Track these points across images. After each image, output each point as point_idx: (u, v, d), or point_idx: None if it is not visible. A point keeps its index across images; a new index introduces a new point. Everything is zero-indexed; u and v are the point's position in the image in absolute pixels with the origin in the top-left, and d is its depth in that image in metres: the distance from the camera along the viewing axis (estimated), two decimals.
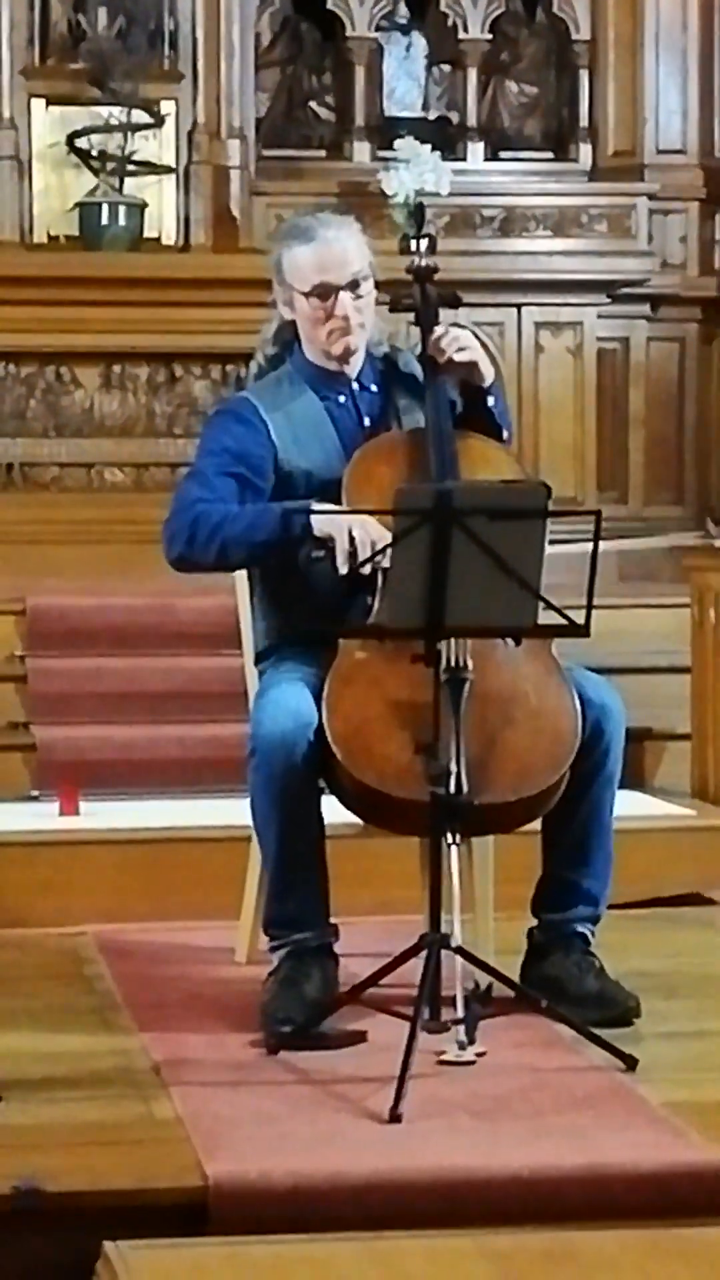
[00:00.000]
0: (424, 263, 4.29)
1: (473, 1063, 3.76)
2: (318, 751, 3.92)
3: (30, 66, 8.41)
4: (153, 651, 6.50)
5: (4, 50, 8.33)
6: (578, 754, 3.99)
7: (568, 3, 9.22)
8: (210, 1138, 3.35)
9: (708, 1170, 3.28)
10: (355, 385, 4.28)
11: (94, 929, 4.98)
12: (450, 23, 9.25)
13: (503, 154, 9.31)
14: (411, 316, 4.29)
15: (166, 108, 8.44)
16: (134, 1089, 3.69)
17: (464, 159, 9.14)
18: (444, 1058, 3.76)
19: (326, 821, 4.04)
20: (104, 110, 8.26)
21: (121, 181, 8.23)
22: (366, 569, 3.92)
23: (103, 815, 5.67)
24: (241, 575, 4.27)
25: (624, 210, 8.95)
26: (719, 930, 5.13)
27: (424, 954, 3.75)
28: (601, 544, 3.76)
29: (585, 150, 9.24)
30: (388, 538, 3.88)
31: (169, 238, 8.42)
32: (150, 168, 8.35)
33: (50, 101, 8.42)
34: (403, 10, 9.33)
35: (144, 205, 8.27)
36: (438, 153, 8.72)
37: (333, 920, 4.06)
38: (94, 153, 8.26)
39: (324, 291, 4.17)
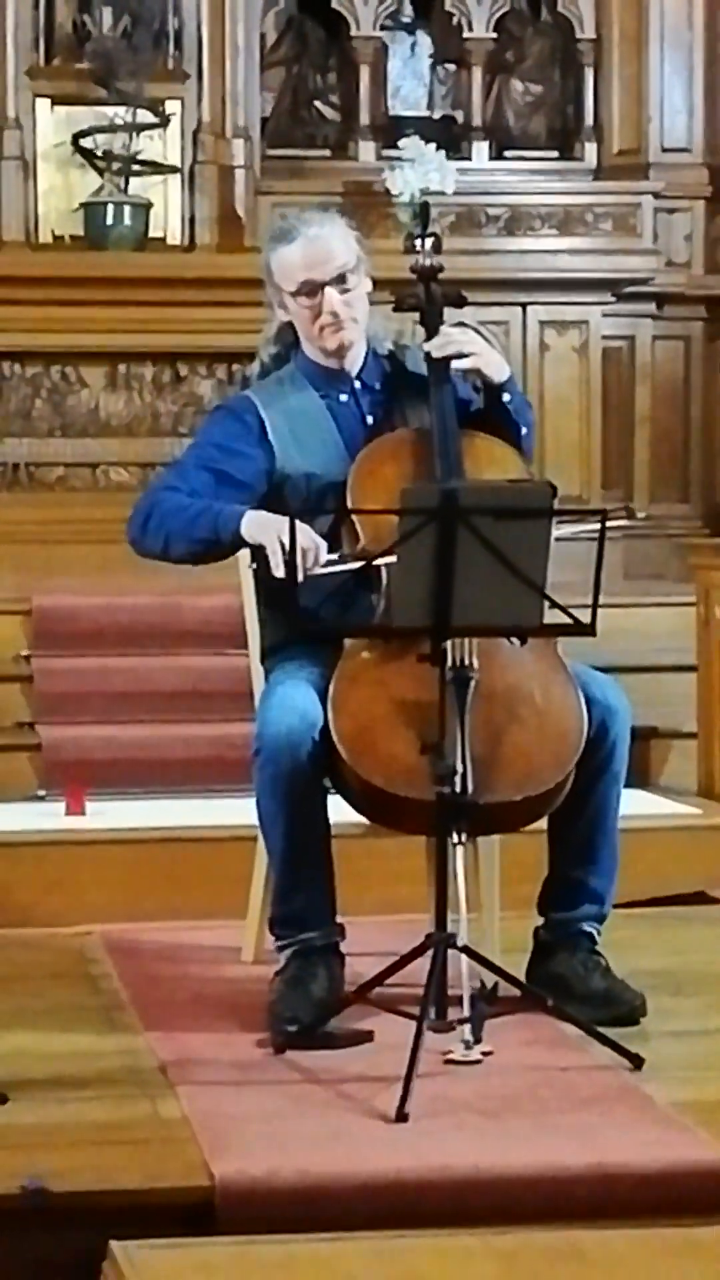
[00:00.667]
0: (428, 262, 4.30)
1: (479, 1062, 3.76)
2: (323, 751, 3.92)
3: (35, 66, 8.41)
4: (159, 651, 6.50)
5: (9, 50, 8.34)
6: (584, 753, 3.99)
7: (572, 1, 9.21)
8: (217, 1137, 3.35)
9: (715, 1169, 3.28)
10: (358, 384, 4.28)
11: (100, 928, 4.99)
12: (455, 21, 9.25)
13: (508, 153, 9.30)
14: (417, 316, 4.29)
15: (171, 107, 8.44)
16: (141, 1088, 3.69)
17: (469, 158, 9.13)
18: (450, 1057, 3.76)
19: (332, 821, 4.04)
20: (109, 110, 8.27)
21: (127, 181, 8.23)
22: (301, 576, 3.90)
23: (109, 815, 5.67)
24: (247, 574, 4.27)
25: (629, 209, 8.94)
26: None
27: (430, 953, 3.75)
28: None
29: (590, 149, 9.24)
30: (321, 544, 3.94)
31: (174, 237, 8.42)
32: (155, 167, 8.35)
33: (55, 101, 8.42)
34: (407, 9, 9.33)
35: (149, 205, 8.27)
36: (443, 152, 8.71)
37: (339, 920, 4.06)
38: (99, 152, 8.27)
39: (310, 289, 4.18)
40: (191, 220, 8.42)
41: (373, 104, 9.16)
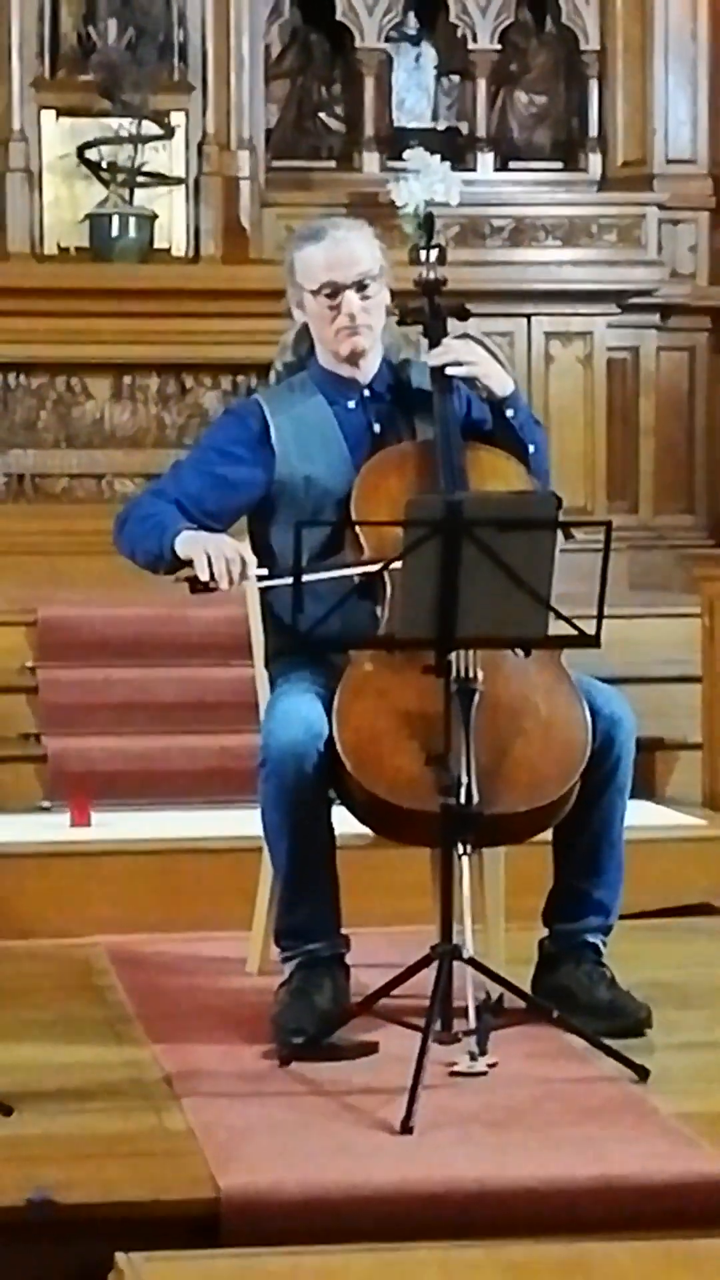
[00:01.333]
0: (432, 275, 4.31)
1: (484, 1074, 3.76)
2: (328, 762, 3.92)
3: (40, 78, 8.41)
4: (164, 662, 6.50)
5: (14, 62, 8.34)
6: (589, 764, 3.99)
7: (577, 13, 9.21)
8: (222, 1149, 3.35)
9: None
10: (367, 392, 4.29)
11: (105, 940, 4.99)
12: (459, 33, 9.25)
13: (512, 164, 9.30)
14: (420, 329, 4.30)
15: (176, 119, 8.44)
16: (146, 1100, 3.69)
17: (473, 169, 9.14)
18: (456, 1069, 3.76)
19: (338, 833, 4.05)
20: (114, 122, 8.27)
21: (131, 193, 8.23)
22: (223, 587, 4.01)
23: (114, 826, 5.67)
24: (252, 585, 4.27)
25: (634, 220, 8.94)
26: None
27: (435, 965, 3.75)
28: None
29: (595, 160, 9.24)
30: (250, 560, 4.01)
31: (179, 249, 8.42)
32: (160, 179, 8.35)
33: (60, 113, 8.42)
34: (412, 21, 9.33)
35: (154, 217, 8.27)
36: (447, 163, 8.70)
37: (344, 931, 4.06)
38: (104, 164, 8.27)
39: (331, 290, 4.19)
40: (196, 232, 8.42)
41: (377, 115, 9.17)
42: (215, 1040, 4.04)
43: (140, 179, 8.25)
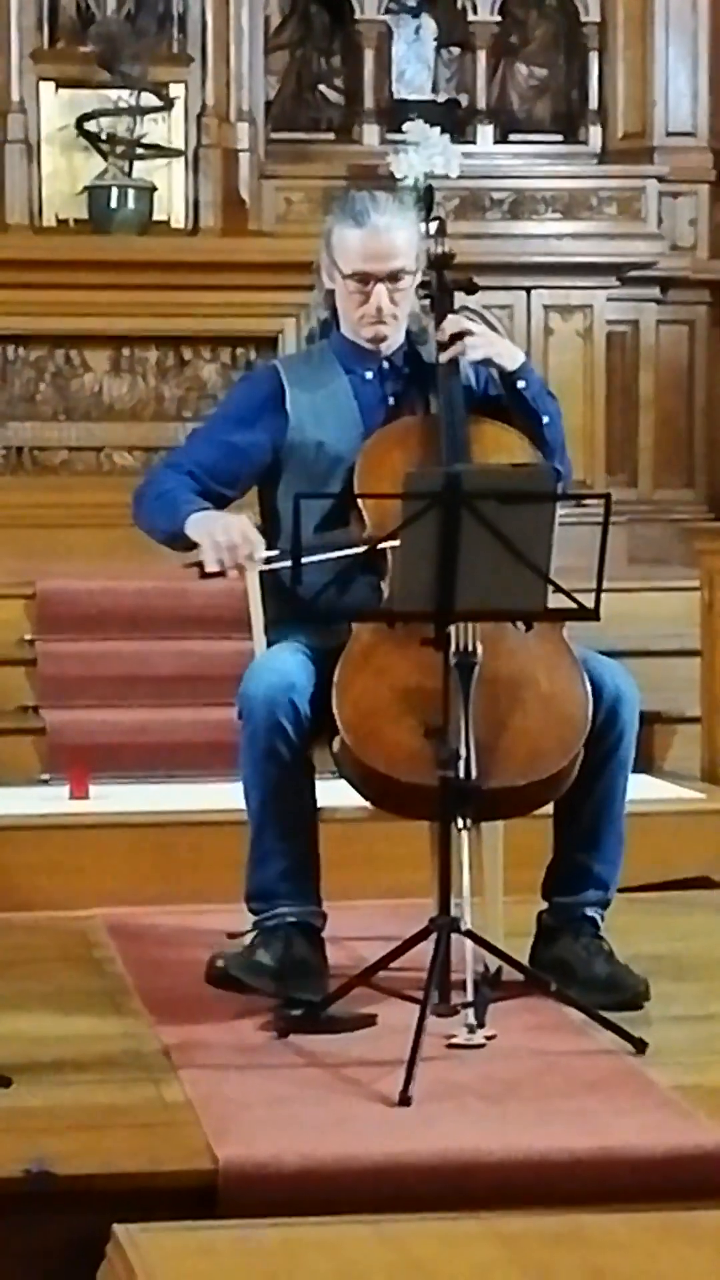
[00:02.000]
0: (441, 249, 4.29)
1: (482, 1046, 3.77)
2: (309, 718, 3.92)
3: (39, 49, 8.39)
4: (162, 635, 6.50)
5: (13, 33, 8.32)
6: (591, 738, 3.99)
7: None
8: (220, 1121, 3.36)
9: (716, 1153, 3.28)
10: (386, 364, 4.29)
11: (104, 912, 4.99)
12: (459, 5, 9.22)
13: (512, 137, 9.28)
14: (427, 303, 4.29)
15: (175, 91, 8.43)
16: (144, 1072, 3.70)
17: (473, 142, 9.12)
18: (453, 1041, 3.77)
19: (337, 805, 4.05)
20: (113, 93, 8.25)
21: (130, 165, 8.22)
22: (231, 574, 4.05)
23: (113, 799, 5.68)
24: (255, 567, 4.26)
25: (634, 193, 8.92)
26: None
27: (434, 937, 3.75)
28: None
29: (595, 133, 9.22)
30: (258, 542, 4.02)
31: (178, 221, 8.40)
32: (159, 151, 8.34)
33: (59, 84, 8.40)
34: None
35: (153, 189, 8.26)
36: (447, 135, 8.69)
37: (324, 909, 4.03)
38: (103, 136, 8.25)
39: (363, 279, 4.19)
40: (195, 204, 8.40)
41: (377, 87, 9.14)
42: (213, 1012, 4.04)
43: (139, 151, 8.24)
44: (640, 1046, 3.77)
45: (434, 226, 4.33)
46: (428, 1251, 2.91)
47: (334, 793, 4.05)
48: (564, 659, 4.03)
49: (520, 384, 4.23)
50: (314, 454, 4.20)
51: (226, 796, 5.26)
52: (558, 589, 3.76)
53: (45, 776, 6.00)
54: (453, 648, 3.80)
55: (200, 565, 4.08)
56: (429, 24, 9.34)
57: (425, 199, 4.54)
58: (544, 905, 4.20)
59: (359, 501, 4.08)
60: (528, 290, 8.76)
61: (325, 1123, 3.38)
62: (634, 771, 4.24)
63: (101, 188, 8.18)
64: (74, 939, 4.79)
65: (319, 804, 4.04)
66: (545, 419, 4.25)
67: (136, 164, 8.24)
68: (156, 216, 8.27)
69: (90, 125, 8.27)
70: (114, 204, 8.14)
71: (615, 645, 5.02)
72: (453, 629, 3.80)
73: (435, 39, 9.35)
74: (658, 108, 9.10)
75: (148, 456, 7.90)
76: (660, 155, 9.04)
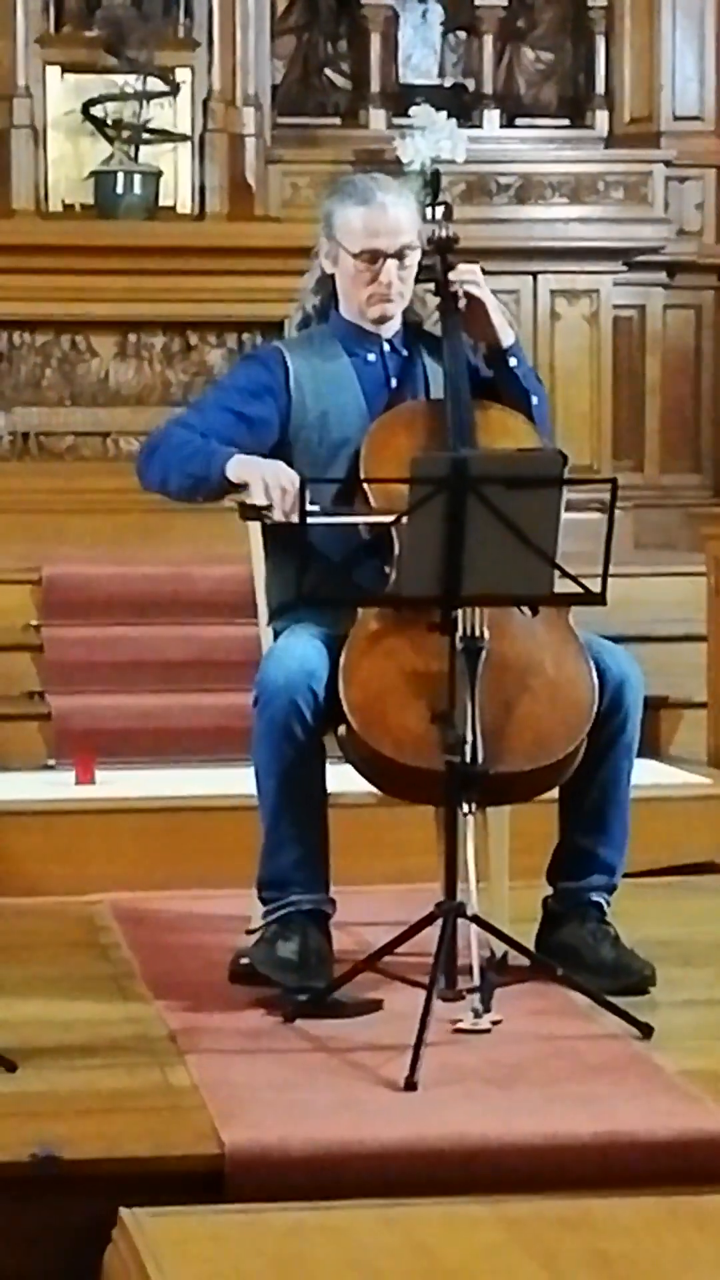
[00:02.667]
0: (444, 233, 4.29)
1: (488, 1031, 3.77)
2: (324, 707, 3.92)
3: (46, 34, 8.37)
4: (169, 620, 6.50)
5: (19, 18, 8.30)
6: (596, 723, 3.99)
7: None
8: (227, 1105, 3.36)
9: None
10: (386, 346, 4.29)
11: (110, 897, 5.00)
12: None
13: (519, 121, 9.26)
14: (432, 286, 4.29)
15: (182, 75, 8.41)
16: (150, 1057, 3.70)
17: (480, 126, 9.09)
18: (460, 1026, 3.77)
19: (344, 790, 4.04)
20: (119, 78, 8.23)
21: (137, 150, 8.21)
22: (282, 517, 4.00)
23: (118, 784, 5.68)
24: (256, 539, 4.26)
25: (640, 177, 8.91)
26: None
27: (440, 922, 3.75)
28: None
29: (601, 117, 9.20)
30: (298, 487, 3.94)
31: (184, 206, 8.39)
32: (165, 136, 8.32)
33: (65, 69, 8.38)
34: None
35: (159, 174, 8.25)
36: (453, 120, 8.67)
37: (333, 895, 4.02)
38: (109, 121, 8.24)
39: (372, 256, 4.19)
40: (202, 189, 8.39)
41: (383, 72, 9.12)
42: (219, 997, 4.04)
43: (145, 136, 8.22)
44: (646, 1031, 3.77)
45: (440, 211, 4.33)
46: (434, 1236, 2.92)
47: (341, 778, 4.05)
48: (570, 644, 4.02)
49: (512, 361, 4.24)
50: (318, 437, 4.20)
51: (232, 782, 5.27)
52: (564, 574, 3.76)
53: (51, 762, 6.00)
54: (459, 632, 3.80)
55: (246, 504, 4.05)
56: (435, 8, 9.31)
57: (432, 184, 4.53)
58: (550, 890, 4.20)
59: (365, 486, 4.07)
60: (534, 275, 8.75)
61: (332, 1107, 3.38)
62: (640, 757, 4.24)
63: (108, 173, 8.17)
64: (80, 924, 4.80)
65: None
66: (534, 399, 4.25)
67: (143, 149, 8.23)
68: (163, 201, 8.26)
69: (96, 110, 8.26)
70: (120, 189, 8.13)
71: (622, 630, 5.01)
72: (459, 614, 3.80)
73: (442, 23, 9.33)
74: (664, 92, 9.08)
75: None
76: (667, 140, 9.03)
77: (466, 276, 4.23)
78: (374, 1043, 3.71)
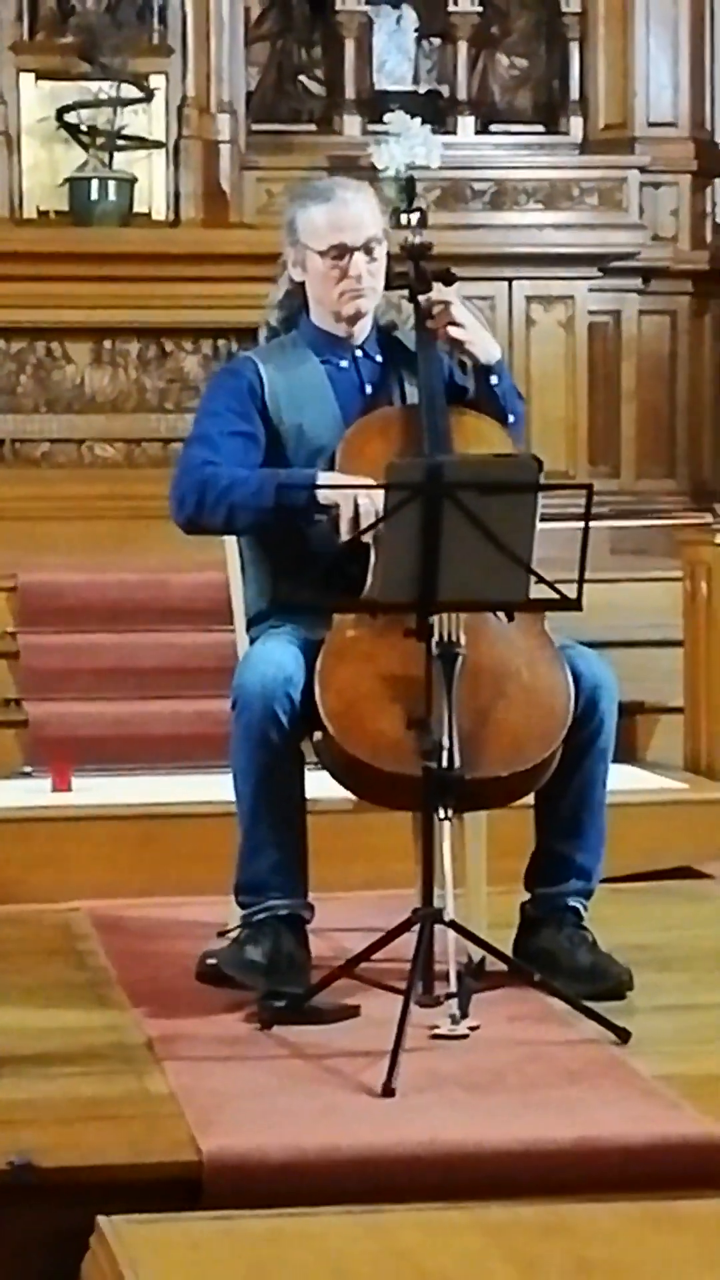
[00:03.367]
0: (418, 240, 4.29)
1: (466, 1036, 3.77)
2: (301, 711, 3.91)
3: (19, 41, 8.37)
4: (145, 627, 6.49)
5: None
6: (571, 728, 3.99)
7: None
8: (204, 1112, 3.36)
9: (700, 1142, 3.28)
10: (359, 352, 4.29)
11: (87, 904, 4.99)
12: None
13: (493, 127, 9.28)
14: (406, 294, 4.29)
15: (156, 82, 8.41)
16: (127, 1064, 3.69)
17: (454, 132, 9.11)
18: (437, 1032, 3.76)
19: (320, 797, 4.04)
20: (93, 85, 8.23)
21: (111, 156, 8.21)
22: (366, 537, 3.92)
23: (95, 791, 5.67)
24: (232, 546, 4.26)
25: (615, 183, 8.93)
26: (711, 903, 5.14)
27: (417, 928, 3.75)
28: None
29: (576, 123, 9.22)
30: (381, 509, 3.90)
31: (159, 213, 8.39)
32: (140, 142, 8.33)
33: (39, 76, 8.38)
34: None
35: (134, 180, 8.25)
36: (428, 126, 8.69)
37: (311, 900, 4.02)
38: (83, 127, 8.24)
39: (340, 251, 4.19)
40: (176, 195, 8.39)
41: (358, 78, 9.13)
42: (197, 1004, 4.03)
43: (120, 142, 8.23)
44: (624, 1036, 3.77)
45: (415, 217, 4.33)
46: (413, 1242, 2.91)
47: (318, 783, 4.04)
48: (546, 650, 4.03)
49: (494, 379, 4.23)
50: (294, 444, 4.19)
51: (209, 788, 5.27)
52: (540, 579, 3.76)
53: (27, 769, 6.00)
54: (435, 638, 3.80)
55: (337, 522, 3.97)
56: (410, 15, 9.33)
57: (407, 190, 4.53)
58: (527, 896, 4.20)
59: None
60: (509, 281, 8.77)
61: (309, 1114, 3.38)
62: (617, 762, 4.25)
63: (82, 180, 8.17)
64: (57, 932, 4.79)
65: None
66: (511, 418, 4.24)
67: (117, 156, 8.23)
68: (137, 208, 8.26)
69: (71, 117, 8.26)
70: (95, 196, 8.13)
71: (598, 636, 5.01)
72: (435, 620, 3.80)
73: (416, 30, 9.35)
74: (639, 98, 9.10)
75: (129, 449, 7.90)
76: (641, 146, 9.05)
77: (439, 309, 4.19)
78: (351, 1049, 3.71)
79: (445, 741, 3.77)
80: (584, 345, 8.79)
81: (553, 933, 4.13)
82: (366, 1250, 2.89)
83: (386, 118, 8.76)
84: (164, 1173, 3.17)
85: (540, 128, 9.31)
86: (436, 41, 9.35)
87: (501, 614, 3.97)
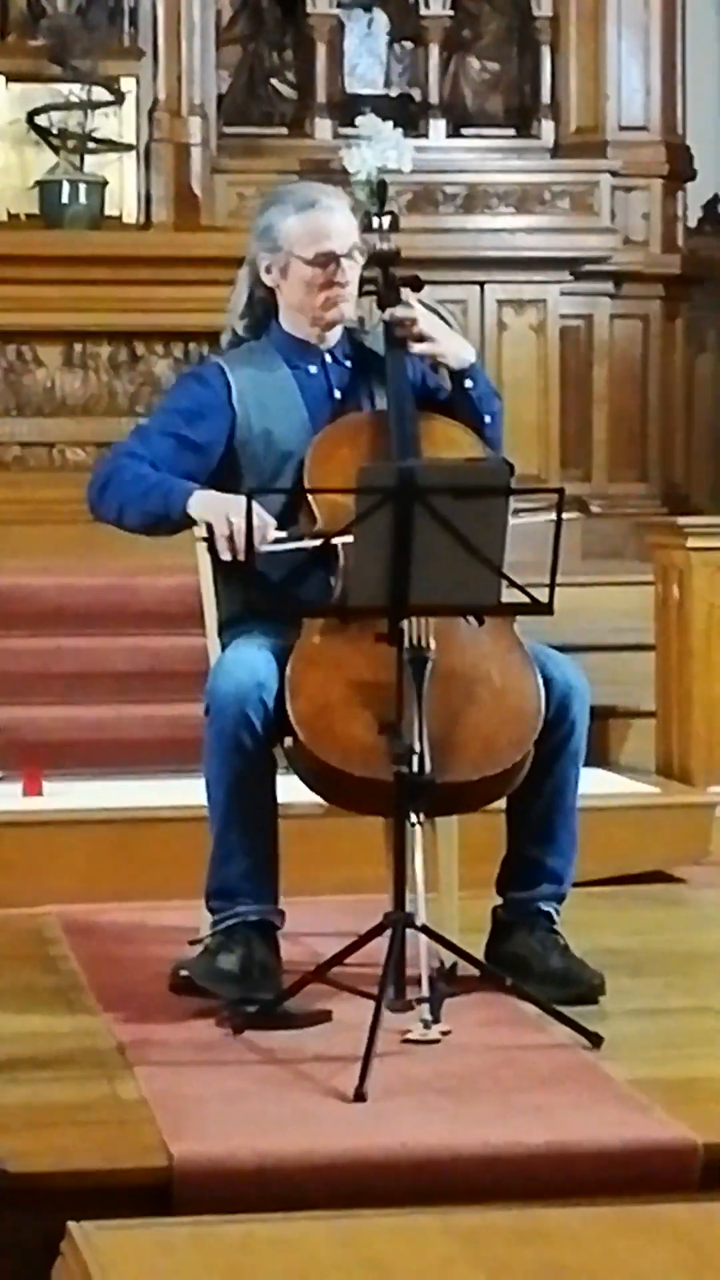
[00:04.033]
0: (386, 246, 4.29)
1: (438, 1041, 3.76)
2: (274, 718, 3.91)
3: None
4: (116, 631, 6.48)
5: None
6: (542, 732, 3.99)
7: None
8: (175, 1117, 3.35)
9: (672, 1147, 3.28)
10: (328, 358, 4.28)
11: (58, 909, 4.98)
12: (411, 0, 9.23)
13: (465, 131, 9.28)
14: (374, 299, 4.29)
15: (127, 85, 8.40)
16: (99, 1069, 3.68)
17: (426, 136, 9.11)
18: (409, 1036, 3.76)
19: (291, 801, 4.03)
20: (64, 87, 8.22)
21: (82, 159, 8.19)
22: (243, 555, 3.95)
23: (66, 796, 5.65)
24: (202, 551, 4.25)
25: (587, 187, 8.93)
26: (683, 908, 5.15)
27: (389, 933, 3.75)
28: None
29: (548, 127, 9.22)
30: (270, 522, 3.97)
31: (130, 216, 8.38)
32: (111, 145, 8.32)
33: (10, 79, 8.37)
34: None
35: (105, 183, 8.24)
36: (399, 130, 8.68)
37: (281, 907, 4.01)
38: (54, 130, 8.22)
39: (328, 259, 4.18)
40: (147, 198, 8.39)
41: (329, 81, 9.13)
42: (168, 1009, 4.03)
43: (91, 145, 8.22)
44: (596, 1041, 3.77)
45: (387, 221, 4.33)
46: (385, 1248, 2.91)
47: (289, 788, 4.04)
48: (516, 654, 4.03)
49: (468, 384, 4.23)
50: (263, 449, 4.19)
51: (181, 793, 5.26)
52: (511, 584, 3.76)
53: None
54: (406, 643, 3.80)
55: (211, 542, 4.03)
56: (381, 18, 9.33)
57: (378, 194, 4.52)
58: (499, 900, 4.20)
59: (310, 497, 4.07)
60: (481, 285, 8.77)
61: (281, 1119, 3.37)
62: (589, 766, 4.25)
63: (53, 182, 8.15)
64: (28, 936, 4.78)
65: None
66: (487, 419, 4.25)
67: (88, 158, 8.21)
68: (108, 211, 8.25)
69: (41, 120, 8.25)
70: (65, 199, 8.11)
71: (570, 640, 5.02)
72: (406, 624, 3.80)
73: (387, 33, 9.35)
74: (610, 102, 9.11)
75: (100, 452, 7.86)
76: (613, 150, 9.05)
77: (404, 326, 4.20)
78: (323, 1054, 3.71)
79: (416, 746, 3.76)
80: (556, 349, 8.80)
81: (525, 937, 4.13)
82: (338, 1256, 2.88)
83: (358, 121, 8.76)
84: (135, 1178, 3.16)
85: (512, 131, 9.31)
86: (408, 45, 9.35)
87: (472, 618, 3.96)
